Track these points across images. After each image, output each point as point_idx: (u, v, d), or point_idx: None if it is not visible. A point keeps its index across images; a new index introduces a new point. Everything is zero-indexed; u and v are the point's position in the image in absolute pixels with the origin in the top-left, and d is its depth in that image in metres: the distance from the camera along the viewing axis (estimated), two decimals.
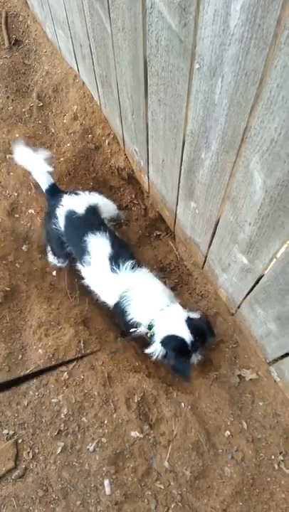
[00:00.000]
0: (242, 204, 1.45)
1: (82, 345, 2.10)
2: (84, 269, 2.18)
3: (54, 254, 2.42)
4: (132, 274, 2.06)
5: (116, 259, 2.07)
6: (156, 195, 2.43)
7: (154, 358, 1.99)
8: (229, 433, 1.91)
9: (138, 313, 2.02)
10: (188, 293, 2.44)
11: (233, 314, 2.14)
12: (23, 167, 2.46)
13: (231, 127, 1.26)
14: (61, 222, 2.20)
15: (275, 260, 1.45)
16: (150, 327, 1.98)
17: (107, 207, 2.42)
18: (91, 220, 2.19)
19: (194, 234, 2.12)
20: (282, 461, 1.85)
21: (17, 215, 2.64)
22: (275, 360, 1.91)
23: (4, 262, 2.40)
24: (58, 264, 2.45)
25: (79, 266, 2.23)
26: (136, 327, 2.03)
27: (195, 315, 2.02)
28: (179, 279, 2.55)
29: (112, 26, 1.77)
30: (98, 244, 2.10)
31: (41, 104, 2.98)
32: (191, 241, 2.21)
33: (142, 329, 2.01)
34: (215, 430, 1.92)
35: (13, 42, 3.24)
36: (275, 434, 1.90)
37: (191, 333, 1.90)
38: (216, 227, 1.78)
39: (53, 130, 2.91)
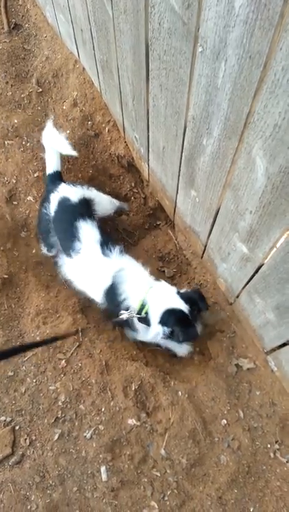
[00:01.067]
0: (243, 192, 1.43)
1: (80, 333, 2.09)
2: (69, 260, 2.15)
3: (42, 240, 2.40)
4: (122, 257, 2.11)
5: (106, 244, 2.11)
6: (156, 184, 2.41)
7: (159, 339, 2.00)
8: (226, 422, 1.92)
9: (130, 293, 2.00)
10: (186, 282, 2.44)
11: (231, 304, 2.14)
12: (42, 147, 2.47)
13: (234, 112, 1.23)
14: (52, 208, 2.20)
15: (275, 249, 1.44)
16: (142, 307, 1.96)
17: (103, 204, 2.41)
18: (83, 209, 2.19)
19: (194, 223, 2.10)
20: (277, 449, 1.86)
21: (15, 202, 2.62)
22: (273, 350, 1.91)
23: (2, 249, 2.39)
24: (47, 253, 2.43)
25: (61, 259, 2.22)
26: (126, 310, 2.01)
27: (184, 290, 2.05)
28: (177, 269, 2.54)
29: (113, 9, 1.74)
30: (89, 231, 2.11)
31: (41, 89, 2.94)
32: (191, 230, 2.20)
33: (131, 313, 1.98)
34: (211, 419, 1.93)
35: (12, 26, 3.19)
36: (272, 423, 1.90)
37: (186, 303, 1.92)
38: (216, 216, 1.77)
39: (52, 116, 2.87)
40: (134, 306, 1.98)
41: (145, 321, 1.97)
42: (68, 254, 2.12)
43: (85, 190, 2.31)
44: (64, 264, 2.21)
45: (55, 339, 2.02)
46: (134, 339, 2.18)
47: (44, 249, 2.43)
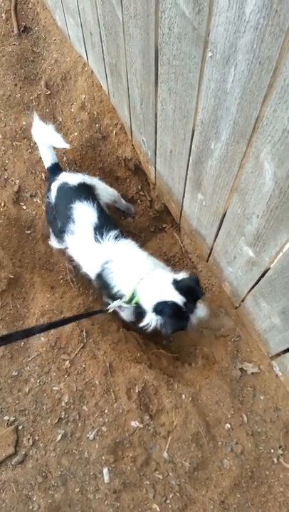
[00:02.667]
0: (250, 196, 1.44)
1: (84, 334, 2.10)
2: (69, 239, 2.17)
3: (52, 231, 2.40)
4: (115, 243, 2.06)
5: (101, 228, 2.07)
6: (163, 187, 2.42)
7: (151, 328, 1.90)
8: (229, 426, 1.91)
9: (121, 284, 1.98)
10: None
11: (236, 308, 2.14)
12: (34, 147, 2.46)
13: (243, 117, 1.24)
14: (53, 194, 2.24)
15: (281, 253, 1.45)
16: (132, 298, 1.92)
17: (105, 191, 2.42)
18: (80, 192, 2.19)
19: (200, 226, 2.11)
20: (281, 455, 1.85)
21: (22, 204, 2.64)
22: (278, 355, 1.91)
23: (8, 249, 2.40)
24: (57, 246, 2.43)
25: (66, 237, 2.21)
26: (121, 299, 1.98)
27: (181, 275, 1.95)
28: (177, 269, 2.54)
29: (123, 13, 1.75)
30: (83, 212, 2.11)
31: (49, 92, 2.96)
32: (197, 233, 2.20)
33: (122, 303, 1.95)
34: (215, 422, 1.92)
35: (22, 29, 3.22)
36: (275, 428, 1.90)
37: (181, 294, 1.83)
38: (223, 220, 1.77)
39: (60, 119, 2.90)
40: (126, 294, 1.95)
41: (138, 309, 1.95)
42: (68, 235, 2.15)
43: (86, 176, 2.32)
44: (68, 243, 2.22)
45: (86, 315, 2.05)
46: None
47: (52, 241, 2.43)
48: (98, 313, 2.05)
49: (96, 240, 2.05)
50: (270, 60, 1.02)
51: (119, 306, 1.99)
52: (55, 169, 2.43)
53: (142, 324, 1.94)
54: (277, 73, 1.02)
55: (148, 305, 1.89)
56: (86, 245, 2.08)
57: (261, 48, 1.03)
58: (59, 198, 2.22)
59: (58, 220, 2.23)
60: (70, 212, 2.11)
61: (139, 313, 1.98)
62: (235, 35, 1.10)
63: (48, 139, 2.38)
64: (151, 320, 1.88)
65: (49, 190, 2.29)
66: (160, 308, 1.84)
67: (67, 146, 2.39)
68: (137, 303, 1.94)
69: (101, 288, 2.13)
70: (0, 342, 1.53)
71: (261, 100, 1.12)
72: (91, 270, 2.12)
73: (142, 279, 1.92)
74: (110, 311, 1.96)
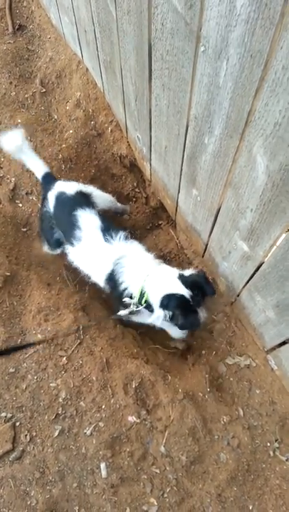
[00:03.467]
0: (244, 190, 1.45)
1: (81, 330, 2.11)
2: (72, 249, 2.18)
3: (46, 240, 2.41)
4: (126, 243, 2.09)
5: (108, 230, 2.10)
6: (158, 183, 2.43)
7: (160, 323, 1.95)
8: (225, 420, 1.93)
9: (130, 281, 2.00)
10: None
11: (232, 303, 2.15)
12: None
13: (235, 111, 1.25)
14: (51, 204, 2.23)
15: (275, 247, 1.46)
16: (142, 296, 1.94)
17: (102, 198, 2.43)
18: (80, 200, 2.21)
19: (195, 222, 2.12)
20: (277, 448, 1.87)
21: (18, 201, 2.64)
22: (273, 349, 1.92)
23: (4, 247, 2.40)
24: (51, 252, 2.45)
25: (67, 249, 2.23)
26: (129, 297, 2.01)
27: (189, 271, 1.99)
28: (179, 268, 2.55)
29: (117, 10, 1.76)
30: (88, 218, 2.13)
31: (44, 90, 2.97)
32: (192, 229, 2.21)
33: (132, 308, 1.97)
34: (211, 417, 1.93)
35: (17, 27, 3.22)
36: (271, 422, 1.91)
37: (188, 287, 1.86)
38: (218, 215, 1.78)
39: (55, 116, 2.90)
40: (135, 293, 1.97)
41: (148, 307, 1.96)
42: (71, 243, 2.15)
43: (81, 185, 2.33)
44: (69, 253, 2.23)
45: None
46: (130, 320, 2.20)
47: (46, 248, 2.44)
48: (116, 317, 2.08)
49: (106, 240, 2.07)
50: (261, 53, 1.03)
51: (131, 311, 1.99)
52: (49, 178, 2.39)
53: (149, 320, 1.97)
54: (268, 66, 1.02)
55: (155, 300, 1.90)
56: (96, 248, 2.10)
57: (252, 42, 1.04)
58: (58, 207, 2.21)
59: (56, 229, 2.24)
60: (75, 220, 2.11)
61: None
62: (226, 29, 1.10)
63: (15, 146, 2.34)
64: (158, 315, 1.90)
65: (45, 199, 2.28)
66: (167, 301, 1.87)
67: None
68: (146, 301, 1.94)
69: (112, 290, 2.13)
70: None
71: (253, 94, 1.13)
72: (102, 272, 2.11)
73: (148, 276, 1.95)
74: (123, 316, 1.99)
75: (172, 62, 1.48)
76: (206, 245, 2.12)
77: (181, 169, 1.91)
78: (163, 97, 1.71)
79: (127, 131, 2.57)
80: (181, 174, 1.95)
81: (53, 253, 2.44)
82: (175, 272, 1.96)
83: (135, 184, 2.75)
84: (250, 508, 1.76)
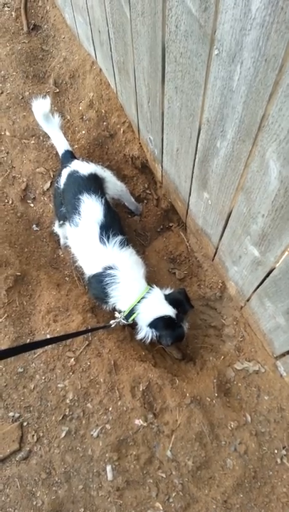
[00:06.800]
0: (256, 195, 1.43)
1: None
2: (70, 230, 2.16)
3: (56, 215, 2.39)
4: (120, 251, 2.05)
5: (106, 229, 2.05)
6: (170, 186, 2.42)
7: (148, 341, 2.06)
8: (233, 425, 1.91)
9: (120, 298, 2.04)
10: (197, 285, 2.43)
11: (242, 308, 2.13)
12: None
13: (248, 115, 1.23)
14: (63, 180, 2.23)
15: (287, 253, 1.43)
16: (130, 314, 2.03)
17: (115, 185, 2.40)
18: (90, 183, 2.17)
19: (206, 225, 2.10)
20: (285, 455, 1.85)
21: (29, 202, 2.65)
22: (283, 355, 1.89)
23: (16, 247, 2.42)
24: (58, 228, 2.43)
25: (68, 226, 2.22)
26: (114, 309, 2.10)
27: (168, 291, 2.13)
28: (188, 271, 2.54)
29: (131, 11, 1.75)
30: (90, 207, 2.09)
31: (58, 90, 2.97)
32: (203, 232, 2.20)
33: (120, 320, 2.06)
34: (219, 422, 1.92)
35: (31, 27, 3.23)
36: (279, 429, 1.89)
37: (173, 307, 2.01)
38: (228, 219, 1.76)
39: (68, 117, 2.91)
40: (124, 309, 2.05)
41: (135, 324, 2.08)
42: (71, 225, 2.14)
43: (98, 168, 2.31)
44: (68, 232, 2.22)
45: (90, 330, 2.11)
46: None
47: (56, 226, 2.44)
48: (102, 328, 2.12)
49: (101, 240, 2.03)
50: (275, 57, 1.01)
51: (119, 322, 2.07)
52: (68, 156, 2.40)
53: (139, 337, 2.08)
54: (283, 71, 1.01)
55: (145, 321, 2.02)
56: (89, 243, 2.07)
57: (267, 46, 1.02)
58: (68, 185, 2.20)
59: (64, 206, 2.22)
60: (77, 204, 2.09)
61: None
62: (241, 33, 1.09)
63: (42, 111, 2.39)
64: (147, 333, 2.04)
65: (59, 175, 2.29)
66: (156, 323, 2.01)
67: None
68: (134, 320, 2.05)
69: (93, 290, 2.14)
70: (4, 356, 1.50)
71: (267, 98, 1.11)
72: (89, 269, 2.12)
73: (144, 299, 2.02)
74: (113, 326, 2.05)
75: (186, 64, 1.47)
76: (217, 249, 2.10)
77: (193, 172, 1.90)
78: (176, 100, 1.70)
79: (139, 133, 2.57)
80: (192, 177, 1.94)
81: (60, 229, 2.43)
82: (161, 294, 2.07)
83: (146, 186, 2.74)
84: None
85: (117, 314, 2.07)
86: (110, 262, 2.03)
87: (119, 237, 2.06)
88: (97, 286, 2.06)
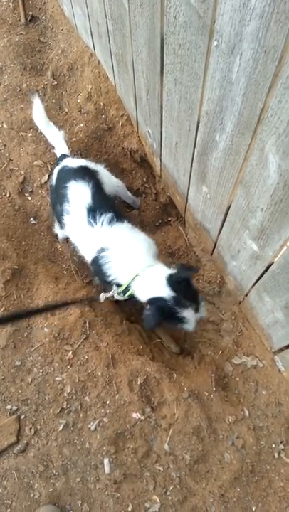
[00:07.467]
0: (255, 189, 1.42)
1: (87, 325, 2.10)
2: (66, 220, 2.12)
3: (55, 216, 2.35)
4: (110, 228, 1.96)
5: (93, 210, 1.98)
6: (168, 179, 2.40)
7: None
8: (231, 420, 1.91)
9: (117, 274, 1.93)
10: (195, 279, 2.42)
11: (240, 302, 2.12)
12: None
13: (248, 107, 1.22)
14: (54, 178, 2.23)
15: (285, 248, 1.43)
16: (127, 289, 1.88)
17: (109, 180, 2.35)
18: (79, 173, 2.13)
19: (205, 219, 2.09)
20: (282, 450, 1.85)
21: (27, 194, 2.64)
22: (281, 350, 1.89)
23: (13, 240, 2.41)
24: (59, 233, 2.42)
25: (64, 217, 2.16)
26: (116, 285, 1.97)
27: (174, 270, 1.88)
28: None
29: (129, 2, 1.73)
30: (77, 191, 2.06)
31: (56, 82, 2.94)
32: (202, 227, 2.19)
33: (116, 293, 1.93)
34: (216, 416, 1.92)
35: (29, 18, 3.19)
36: (277, 423, 1.89)
37: (175, 291, 1.76)
38: (227, 213, 1.76)
39: (66, 109, 2.88)
40: (122, 283, 1.91)
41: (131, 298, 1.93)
42: (65, 215, 2.10)
43: (89, 162, 2.29)
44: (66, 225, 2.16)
45: (65, 304, 2.04)
46: None
47: (56, 227, 2.42)
48: (93, 300, 2.06)
49: (89, 222, 1.97)
50: (275, 49, 0.99)
51: (112, 296, 1.96)
52: (63, 156, 2.40)
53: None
54: (283, 62, 0.99)
55: (143, 298, 1.87)
56: (80, 228, 2.03)
57: (266, 37, 1.00)
58: (58, 180, 2.20)
59: (58, 203, 2.18)
60: (65, 192, 2.07)
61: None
62: (240, 24, 1.07)
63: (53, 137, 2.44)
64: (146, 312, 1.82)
65: (51, 173, 2.30)
66: (152, 303, 1.80)
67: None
68: (131, 295, 1.90)
69: (95, 273, 2.10)
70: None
71: (266, 90, 1.10)
72: (87, 254, 2.09)
73: (137, 275, 1.86)
74: (102, 300, 1.95)
75: (184, 56, 1.45)
76: (215, 243, 2.09)
77: (192, 166, 1.88)
78: (174, 92, 1.68)
79: (137, 126, 2.55)
80: (191, 171, 1.93)
81: (61, 235, 2.41)
82: (161, 272, 1.86)
83: (145, 179, 2.73)
84: (254, 509, 1.75)
85: (114, 287, 1.96)
86: (102, 241, 1.96)
87: (106, 215, 1.97)
88: (97, 269, 2.01)
